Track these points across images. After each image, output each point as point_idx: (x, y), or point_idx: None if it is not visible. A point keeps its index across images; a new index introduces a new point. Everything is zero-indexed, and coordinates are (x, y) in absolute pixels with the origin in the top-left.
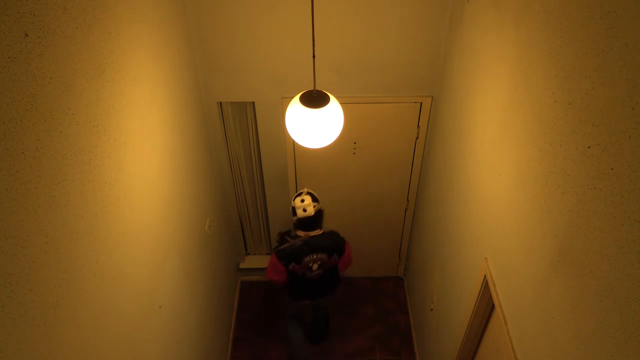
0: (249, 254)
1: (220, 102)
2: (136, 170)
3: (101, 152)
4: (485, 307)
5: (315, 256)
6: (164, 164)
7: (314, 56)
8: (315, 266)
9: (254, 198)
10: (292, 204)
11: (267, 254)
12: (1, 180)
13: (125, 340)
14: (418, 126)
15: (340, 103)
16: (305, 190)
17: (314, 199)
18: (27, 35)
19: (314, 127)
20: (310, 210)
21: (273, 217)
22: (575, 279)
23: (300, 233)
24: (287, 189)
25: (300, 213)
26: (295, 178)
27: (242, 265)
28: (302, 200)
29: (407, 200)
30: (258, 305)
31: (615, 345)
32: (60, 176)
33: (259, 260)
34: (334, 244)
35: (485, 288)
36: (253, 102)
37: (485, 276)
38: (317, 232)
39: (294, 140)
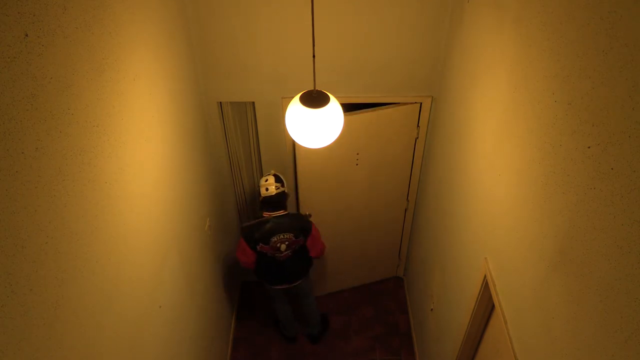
0: None
1: (220, 102)
2: (136, 170)
3: (101, 152)
4: (485, 307)
5: (282, 236)
6: (164, 164)
7: (314, 56)
8: (283, 246)
9: (253, 198)
10: (258, 184)
11: None
12: (1, 180)
13: (125, 340)
14: (418, 126)
15: (340, 103)
16: (272, 172)
17: (277, 180)
18: (27, 35)
19: (314, 127)
20: (272, 190)
21: None
22: (575, 279)
23: (266, 214)
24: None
25: (262, 192)
26: (295, 177)
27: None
28: (266, 180)
29: (407, 200)
30: (258, 305)
31: (615, 345)
32: (60, 176)
33: None
34: (298, 224)
35: (485, 288)
36: (253, 102)
37: (485, 276)
38: (281, 212)
39: (294, 141)
